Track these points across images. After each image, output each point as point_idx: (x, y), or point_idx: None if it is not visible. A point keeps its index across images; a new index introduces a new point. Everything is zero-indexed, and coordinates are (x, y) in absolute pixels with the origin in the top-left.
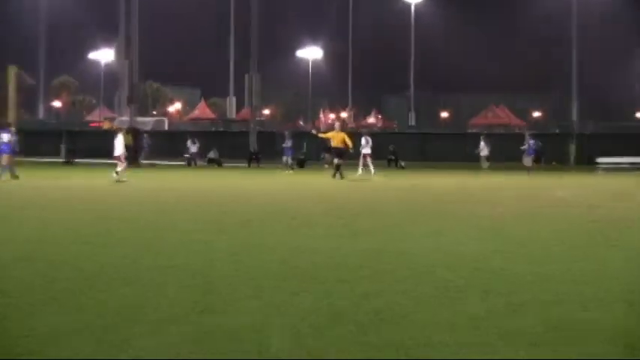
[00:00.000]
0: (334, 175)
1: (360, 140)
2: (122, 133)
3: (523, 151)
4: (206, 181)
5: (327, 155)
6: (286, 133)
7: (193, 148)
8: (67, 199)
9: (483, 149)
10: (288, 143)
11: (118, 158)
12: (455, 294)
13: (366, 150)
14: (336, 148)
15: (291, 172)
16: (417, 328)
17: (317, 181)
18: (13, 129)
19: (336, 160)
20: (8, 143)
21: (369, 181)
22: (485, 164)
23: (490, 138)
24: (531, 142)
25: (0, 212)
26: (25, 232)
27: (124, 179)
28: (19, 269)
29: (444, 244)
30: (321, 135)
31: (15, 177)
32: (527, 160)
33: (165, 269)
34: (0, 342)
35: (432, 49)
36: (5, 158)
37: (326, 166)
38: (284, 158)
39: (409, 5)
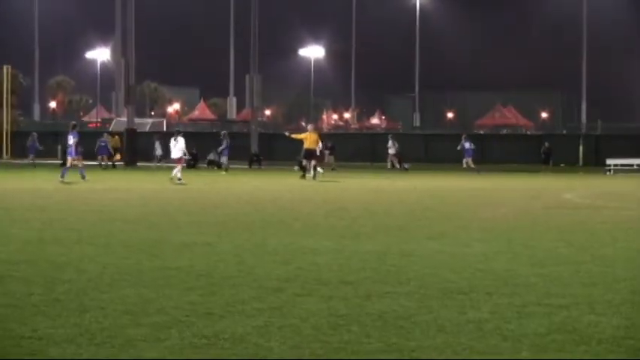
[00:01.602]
0: (313, 176)
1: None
2: (181, 137)
3: (460, 152)
4: (206, 184)
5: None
6: (222, 133)
7: (159, 150)
8: (68, 200)
9: (391, 148)
10: (223, 144)
11: (176, 161)
12: (458, 296)
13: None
14: (308, 149)
15: (224, 173)
16: (420, 330)
17: (319, 184)
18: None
19: (304, 161)
20: (74, 146)
21: (372, 182)
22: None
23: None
24: (466, 144)
25: (1, 213)
26: (26, 233)
27: (183, 182)
28: (21, 270)
29: (447, 245)
30: (293, 136)
31: (82, 178)
32: (468, 162)
33: (168, 271)
34: (2, 343)
35: (437, 48)
36: (70, 160)
37: (296, 168)
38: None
39: (414, 4)
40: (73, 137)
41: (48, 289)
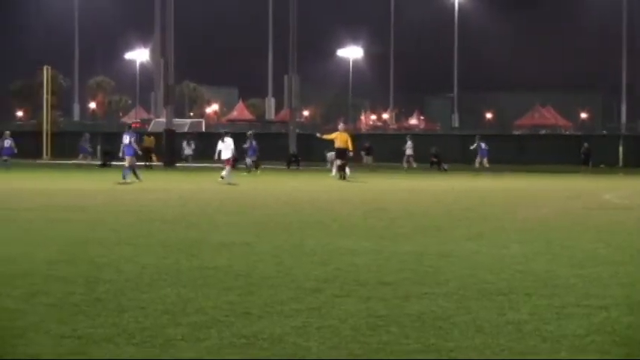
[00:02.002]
0: (340, 177)
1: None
2: (229, 137)
3: (473, 152)
4: (245, 185)
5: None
6: (248, 133)
7: (188, 150)
8: (107, 201)
9: (409, 148)
10: (247, 144)
11: (227, 162)
12: (497, 297)
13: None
14: (339, 149)
15: (245, 174)
16: (459, 330)
17: (357, 184)
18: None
19: (338, 161)
20: (130, 145)
21: (410, 183)
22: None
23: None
24: (482, 144)
25: (43, 214)
26: (67, 234)
27: (233, 182)
28: (62, 270)
29: (485, 246)
30: (325, 137)
31: (137, 179)
32: (483, 162)
33: (206, 271)
34: (43, 342)
35: (476, 48)
36: (129, 160)
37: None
38: (247, 160)
39: (452, 4)
40: (130, 137)
41: (88, 289)
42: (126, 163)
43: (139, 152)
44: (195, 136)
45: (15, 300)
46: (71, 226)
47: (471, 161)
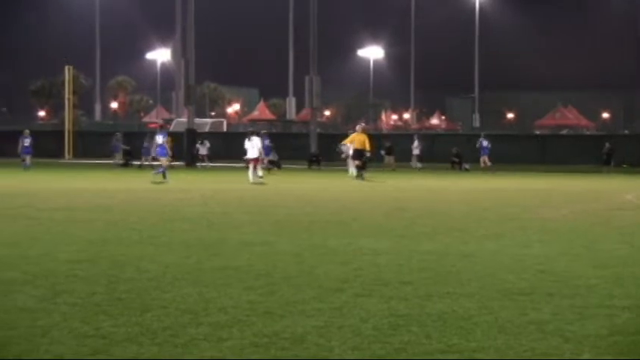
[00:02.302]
0: (360, 177)
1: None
2: (255, 137)
3: (478, 151)
4: (266, 184)
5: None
6: (261, 132)
7: (203, 150)
8: (130, 200)
9: (416, 148)
10: (265, 142)
11: (254, 161)
12: (519, 297)
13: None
14: (357, 150)
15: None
16: (481, 330)
17: (377, 184)
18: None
19: (357, 162)
20: (163, 145)
21: (431, 182)
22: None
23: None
24: (484, 142)
25: (65, 214)
26: (89, 233)
27: (250, 180)
28: (84, 270)
29: (507, 246)
30: (345, 142)
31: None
32: (485, 160)
33: (228, 270)
34: (66, 341)
35: (497, 47)
36: (164, 160)
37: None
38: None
39: (473, 4)
40: (163, 137)
41: (110, 289)
42: (162, 163)
43: (170, 152)
44: (205, 135)
45: (38, 299)
46: (93, 226)
47: (491, 161)
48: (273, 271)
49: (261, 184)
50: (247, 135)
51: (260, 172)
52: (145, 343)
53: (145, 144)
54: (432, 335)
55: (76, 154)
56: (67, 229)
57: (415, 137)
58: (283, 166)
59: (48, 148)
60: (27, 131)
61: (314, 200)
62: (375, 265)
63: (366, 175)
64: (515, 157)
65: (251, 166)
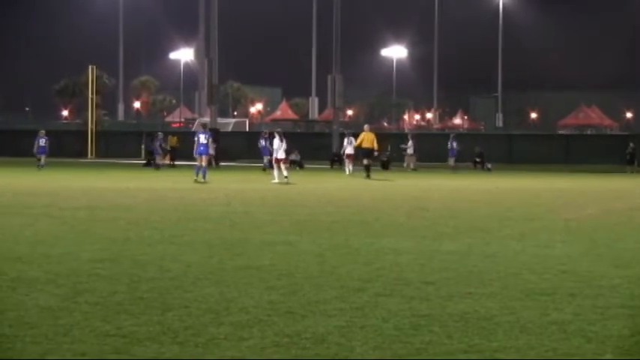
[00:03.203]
0: (366, 176)
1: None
2: (281, 138)
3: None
4: (288, 183)
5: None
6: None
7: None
8: (152, 199)
9: (410, 147)
10: (261, 142)
11: (282, 161)
12: (541, 297)
13: (349, 150)
14: (366, 149)
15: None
16: (503, 331)
17: (399, 183)
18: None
19: (365, 161)
20: (206, 144)
21: (453, 182)
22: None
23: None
24: (454, 143)
25: (88, 213)
26: (111, 232)
27: (276, 180)
28: (105, 269)
29: (529, 247)
30: (357, 144)
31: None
32: (451, 161)
33: (249, 270)
34: (87, 340)
35: (521, 47)
36: (205, 159)
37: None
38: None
39: (497, 3)
40: (207, 136)
41: (132, 288)
42: (203, 163)
43: (212, 152)
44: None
45: (60, 298)
46: (115, 225)
47: (513, 161)
48: (295, 271)
49: (287, 184)
50: (263, 135)
51: (285, 172)
52: (166, 342)
53: (157, 143)
54: (454, 335)
55: (99, 154)
56: (90, 228)
57: (409, 137)
58: (306, 165)
59: (71, 148)
60: (42, 131)
61: (336, 200)
62: (396, 265)
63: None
64: (539, 156)
65: (276, 165)
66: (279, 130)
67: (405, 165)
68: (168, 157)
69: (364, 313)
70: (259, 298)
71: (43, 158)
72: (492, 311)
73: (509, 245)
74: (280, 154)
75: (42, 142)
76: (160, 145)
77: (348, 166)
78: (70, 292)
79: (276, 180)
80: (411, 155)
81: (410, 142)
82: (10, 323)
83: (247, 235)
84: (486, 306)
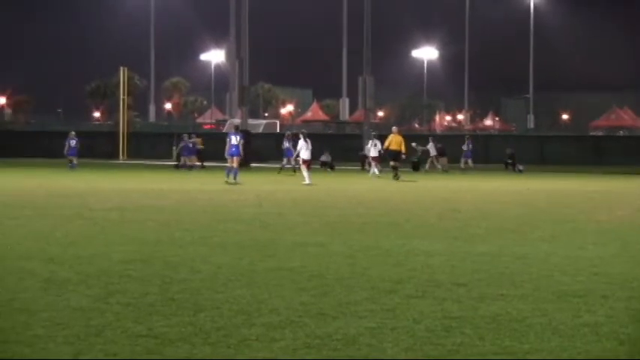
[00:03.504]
0: (394, 177)
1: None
2: (305, 139)
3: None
4: (320, 185)
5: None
6: (286, 133)
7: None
8: (183, 201)
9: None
10: (285, 144)
11: (306, 163)
12: (573, 299)
13: (373, 152)
14: (393, 151)
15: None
16: (534, 333)
17: (430, 184)
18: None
19: (392, 163)
20: (237, 145)
21: (484, 183)
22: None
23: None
24: (470, 145)
25: (119, 214)
26: (143, 234)
27: (307, 182)
28: (137, 270)
29: (561, 248)
30: (385, 147)
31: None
32: (462, 162)
33: (281, 271)
34: (119, 341)
35: (552, 47)
36: (237, 160)
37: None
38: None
39: (528, 4)
40: (238, 138)
41: (163, 289)
42: (234, 164)
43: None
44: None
45: (91, 299)
46: (147, 226)
47: (544, 163)
48: (326, 273)
49: (308, 185)
50: (287, 137)
51: (305, 174)
52: (197, 343)
53: (182, 144)
54: (486, 337)
55: (131, 155)
56: (121, 229)
57: (430, 139)
58: (336, 167)
59: (103, 149)
60: (72, 132)
61: (366, 201)
62: (428, 267)
63: (378, 173)
64: (570, 158)
65: (304, 167)
66: (303, 131)
67: (427, 167)
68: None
69: (395, 314)
70: (290, 300)
71: (74, 159)
72: (524, 313)
73: (541, 247)
74: (304, 155)
75: (72, 143)
76: (188, 146)
77: (374, 169)
78: (101, 293)
79: (307, 181)
80: (441, 157)
81: (430, 144)
82: (43, 324)
83: (278, 237)
84: (518, 308)
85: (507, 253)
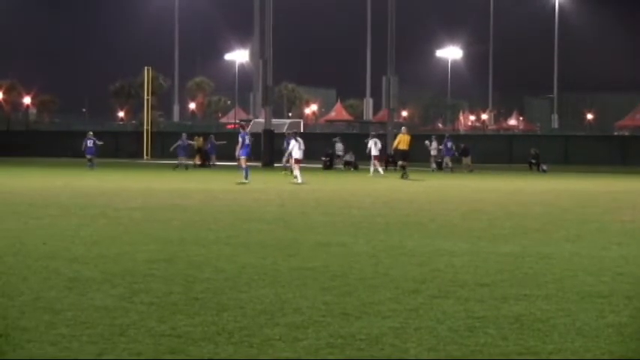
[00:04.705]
0: (402, 176)
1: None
2: (296, 138)
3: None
4: (342, 184)
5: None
6: (287, 132)
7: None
8: (206, 201)
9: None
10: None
11: (298, 162)
12: (597, 299)
13: (374, 152)
14: (402, 151)
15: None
16: (558, 333)
17: (454, 184)
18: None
19: (400, 162)
20: (249, 145)
21: (509, 183)
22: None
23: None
24: (449, 143)
25: (143, 214)
26: (166, 233)
27: (299, 181)
28: (161, 269)
29: (585, 248)
30: (394, 146)
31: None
32: (446, 160)
33: (304, 271)
34: (143, 340)
35: (577, 48)
36: (244, 160)
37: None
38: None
39: (553, 3)
40: (250, 138)
41: (187, 288)
42: (242, 164)
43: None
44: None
45: (116, 298)
46: (170, 226)
47: (569, 162)
48: (350, 272)
49: (297, 184)
50: (290, 136)
51: (296, 173)
52: (221, 342)
53: (177, 143)
54: (509, 337)
55: (155, 155)
56: (145, 228)
57: (433, 138)
58: (360, 167)
59: (127, 149)
60: (90, 132)
61: (390, 201)
62: (451, 267)
63: (380, 172)
64: (595, 158)
65: (297, 166)
66: (295, 130)
67: (432, 168)
68: (197, 157)
69: (419, 314)
70: (314, 299)
71: (92, 158)
72: (548, 313)
73: (565, 247)
74: (296, 154)
75: (89, 142)
76: (183, 146)
77: (376, 167)
78: (125, 292)
79: (299, 180)
80: (465, 157)
81: (434, 144)
82: (67, 323)
83: (302, 236)
84: (542, 308)
85: (531, 253)
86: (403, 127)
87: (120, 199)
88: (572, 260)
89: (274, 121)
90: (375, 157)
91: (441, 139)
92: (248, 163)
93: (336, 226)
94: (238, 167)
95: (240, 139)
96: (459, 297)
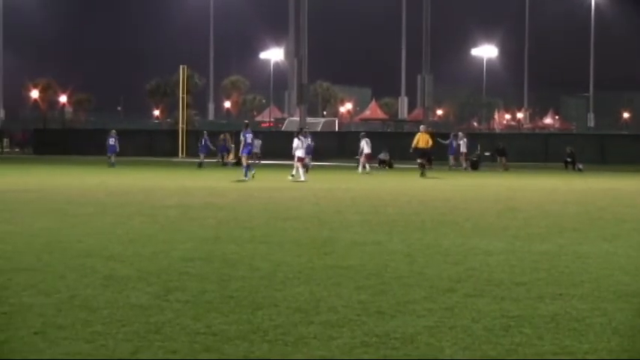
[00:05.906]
0: (421, 174)
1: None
2: (299, 137)
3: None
4: (378, 183)
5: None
6: (298, 129)
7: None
8: (241, 199)
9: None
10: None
11: (300, 160)
12: (634, 299)
13: (367, 150)
14: (421, 149)
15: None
16: (594, 332)
17: (490, 183)
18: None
19: (419, 160)
20: (251, 144)
21: (544, 182)
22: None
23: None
24: (453, 142)
25: (178, 212)
26: (202, 231)
27: (302, 179)
28: (196, 267)
29: (622, 247)
30: (413, 145)
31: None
32: (450, 159)
33: (339, 270)
34: (178, 338)
35: (613, 46)
36: (245, 158)
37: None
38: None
39: (589, 1)
40: (252, 137)
41: (222, 286)
42: (247, 161)
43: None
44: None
45: (151, 296)
46: (206, 224)
47: (605, 162)
48: (384, 271)
49: (297, 182)
50: (297, 133)
51: (293, 172)
52: (255, 341)
53: (202, 142)
54: (544, 337)
55: (190, 153)
56: (181, 226)
57: (461, 134)
58: (395, 165)
59: (163, 147)
60: (113, 131)
61: (425, 200)
62: (487, 266)
63: (368, 170)
64: (631, 157)
65: (300, 164)
66: (301, 128)
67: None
68: (232, 155)
69: (454, 313)
70: (348, 298)
71: (112, 157)
72: (584, 313)
73: (601, 246)
74: (299, 152)
75: (111, 141)
76: (206, 145)
77: (364, 165)
78: (161, 291)
79: (302, 178)
80: (500, 156)
81: (464, 140)
82: (103, 320)
83: (337, 235)
84: (578, 307)
85: (567, 252)
86: (422, 126)
87: (155, 198)
88: (608, 259)
89: (309, 119)
90: (367, 155)
91: (469, 137)
92: (249, 161)
93: (371, 224)
94: (243, 165)
95: (242, 139)
96: (495, 296)
